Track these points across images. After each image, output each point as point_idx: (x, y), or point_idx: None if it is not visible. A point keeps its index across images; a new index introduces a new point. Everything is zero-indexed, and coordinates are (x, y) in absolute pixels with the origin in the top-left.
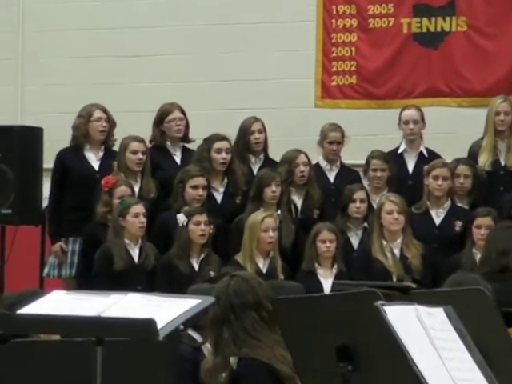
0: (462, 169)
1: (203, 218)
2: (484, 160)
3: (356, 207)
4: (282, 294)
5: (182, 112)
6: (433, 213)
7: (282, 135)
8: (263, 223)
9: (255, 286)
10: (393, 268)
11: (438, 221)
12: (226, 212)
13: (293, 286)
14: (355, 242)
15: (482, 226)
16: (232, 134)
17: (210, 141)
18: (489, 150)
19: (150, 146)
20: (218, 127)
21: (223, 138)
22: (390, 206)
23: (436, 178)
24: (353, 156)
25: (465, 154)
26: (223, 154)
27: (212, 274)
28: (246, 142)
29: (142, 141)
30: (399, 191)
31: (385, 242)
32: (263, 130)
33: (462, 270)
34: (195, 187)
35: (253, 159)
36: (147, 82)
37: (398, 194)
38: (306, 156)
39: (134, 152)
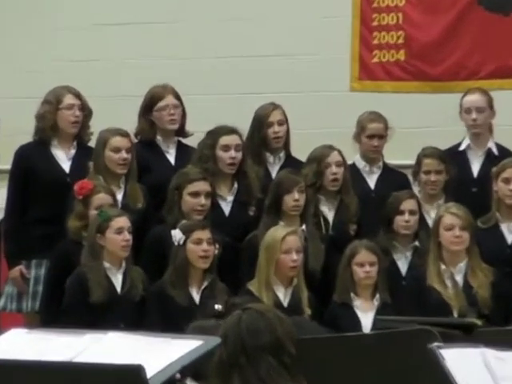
0: None
1: (206, 234)
2: None
3: (404, 221)
4: (308, 332)
5: (177, 97)
6: (504, 228)
7: (309, 127)
8: (284, 242)
9: (274, 322)
10: (453, 300)
11: (510, 237)
12: (235, 227)
13: (322, 322)
14: (403, 265)
15: None
16: (244, 125)
17: (214, 135)
18: None
19: (135, 141)
20: (226, 117)
21: (232, 132)
22: (451, 220)
23: (507, 181)
24: (400, 154)
25: None
26: (232, 152)
27: (218, 307)
28: (263, 136)
29: (125, 135)
30: (461, 200)
31: (443, 267)
32: (284, 121)
33: None
34: (195, 194)
35: (271, 158)
36: (133, 57)
37: (460, 205)
38: (340, 154)
39: (116, 149)
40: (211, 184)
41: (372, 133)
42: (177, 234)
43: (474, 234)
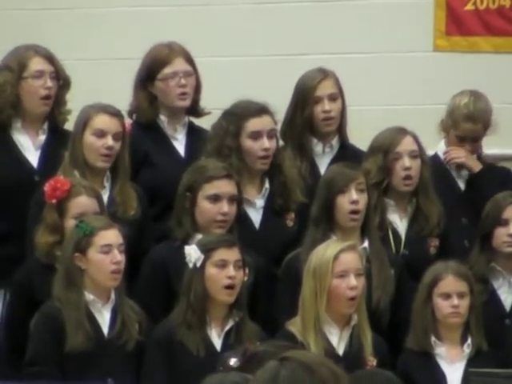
0: None
1: (234, 255)
2: None
3: (508, 235)
4: None
5: (189, 61)
6: None
7: (374, 102)
8: (337, 262)
9: (326, 379)
10: None
11: None
12: (269, 244)
13: (384, 373)
14: (508, 297)
15: None
16: (280, 102)
17: (238, 116)
18: None
19: (129, 122)
20: (254, 90)
21: (262, 111)
22: None
23: None
24: (502, 141)
25: None
26: (264, 141)
27: (234, 362)
28: (308, 116)
29: (115, 114)
30: None
31: None
32: (338, 95)
33: None
34: (216, 198)
35: (319, 147)
36: (127, 4)
37: None
38: (416, 140)
39: (100, 133)
40: (237, 184)
41: (464, 135)
42: (192, 253)
43: None
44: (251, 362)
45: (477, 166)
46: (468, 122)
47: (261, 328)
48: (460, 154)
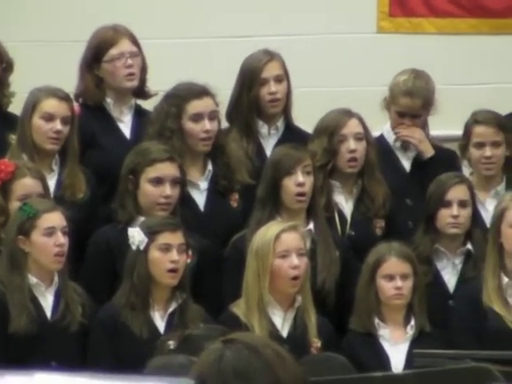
0: None
1: (177, 238)
2: None
3: (451, 216)
4: (320, 373)
5: (135, 42)
6: None
7: (319, 84)
8: (279, 242)
9: (271, 360)
10: None
11: None
12: (214, 225)
13: (337, 358)
14: (451, 279)
15: None
16: (223, 84)
17: (179, 99)
18: None
19: (76, 105)
20: (199, 72)
21: (203, 93)
22: None
23: None
24: (446, 122)
25: None
26: (206, 123)
27: (171, 344)
28: (253, 97)
29: (65, 98)
30: None
31: (506, 279)
32: (284, 77)
33: None
34: (158, 181)
35: (264, 129)
36: None
37: None
38: (361, 122)
39: (48, 116)
40: (180, 166)
41: (403, 110)
42: (136, 236)
43: None
44: (187, 344)
45: (429, 152)
46: (406, 96)
47: (206, 310)
48: (414, 135)
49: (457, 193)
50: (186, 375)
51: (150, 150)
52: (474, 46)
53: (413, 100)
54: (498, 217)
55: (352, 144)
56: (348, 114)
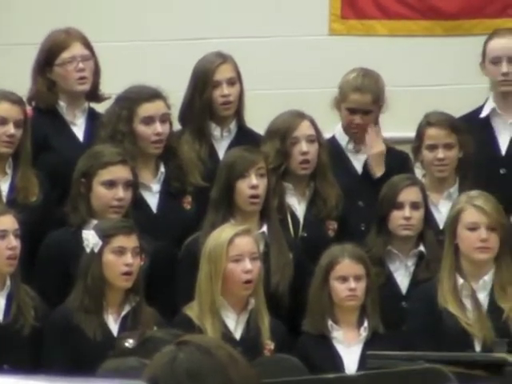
0: None
1: (132, 242)
2: None
3: (403, 218)
4: (273, 374)
5: (87, 45)
6: None
7: (272, 86)
8: (232, 246)
9: (224, 361)
10: (475, 327)
11: None
12: (166, 227)
13: (290, 360)
14: (403, 280)
15: None
16: (176, 86)
17: (130, 102)
18: None
19: (29, 109)
20: (152, 74)
21: (155, 96)
22: (475, 217)
23: None
24: (398, 124)
25: None
26: (157, 126)
27: (129, 343)
28: (206, 100)
29: (17, 102)
30: (483, 187)
31: (461, 281)
32: (237, 79)
33: None
34: (111, 184)
35: (217, 131)
36: None
37: (487, 194)
38: (313, 124)
39: (1, 121)
40: (132, 169)
41: (353, 106)
42: (90, 238)
43: (506, 237)
44: (146, 345)
45: (378, 172)
46: (356, 92)
47: (159, 313)
48: (376, 148)
49: (409, 195)
50: (137, 378)
51: (102, 153)
52: (426, 47)
53: (363, 95)
54: (454, 218)
55: (304, 146)
56: (300, 116)
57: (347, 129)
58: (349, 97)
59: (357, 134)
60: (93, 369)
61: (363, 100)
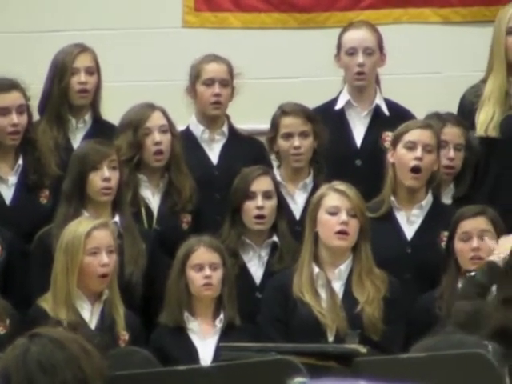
0: (452, 133)
1: None
2: (486, 119)
3: (256, 207)
4: (128, 366)
5: None
6: (401, 218)
7: (127, 78)
8: (90, 239)
9: (76, 354)
10: (328, 317)
11: (410, 231)
12: (21, 220)
13: (140, 352)
14: (257, 271)
15: (473, 233)
16: (30, 75)
17: None
18: (495, 100)
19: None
20: (15, 65)
21: (10, 87)
22: (335, 200)
23: (411, 147)
24: (254, 115)
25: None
26: (13, 117)
27: None
28: (63, 88)
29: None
30: (340, 178)
31: (317, 269)
32: (95, 70)
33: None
34: None
35: (72, 122)
36: None
37: (348, 183)
38: (165, 115)
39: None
40: None
41: (210, 76)
42: None
43: (366, 225)
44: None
45: None
46: (211, 63)
47: (14, 305)
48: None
49: (261, 184)
50: None
51: None
52: (280, 40)
53: (219, 65)
54: (315, 206)
55: (157, 136)
56: (151, 107)
57: (204, 108)
58: (204, 69)
59: (215, 111)
60: None
61: (220, 69)
